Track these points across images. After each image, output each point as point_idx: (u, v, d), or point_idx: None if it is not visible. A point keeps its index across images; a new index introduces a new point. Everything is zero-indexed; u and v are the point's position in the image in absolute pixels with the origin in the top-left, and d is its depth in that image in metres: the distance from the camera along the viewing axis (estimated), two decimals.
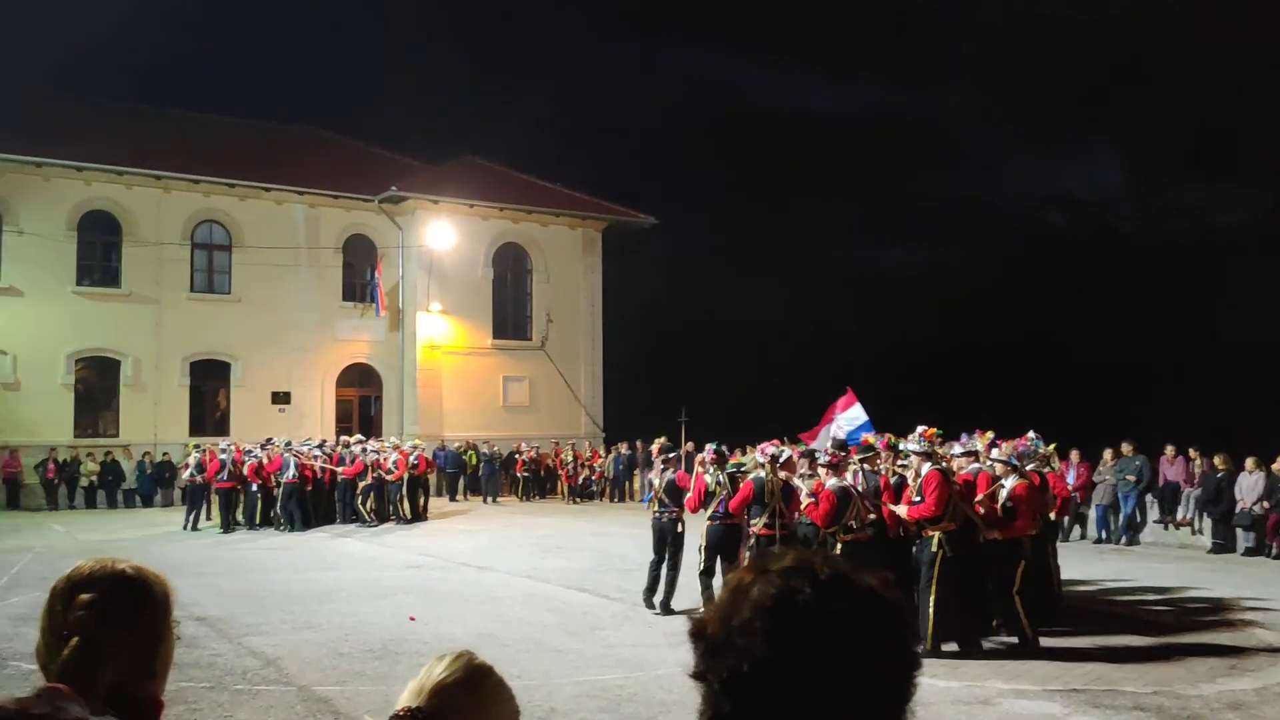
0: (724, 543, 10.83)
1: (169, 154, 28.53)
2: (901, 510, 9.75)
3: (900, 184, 76.81)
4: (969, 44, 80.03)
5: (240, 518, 21.32)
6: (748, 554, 10.58)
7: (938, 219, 71.47)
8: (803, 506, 10.38)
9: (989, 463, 10.63)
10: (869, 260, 71.04)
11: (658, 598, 11.37)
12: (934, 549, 9.37)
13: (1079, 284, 58.58)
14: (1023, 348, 52.64)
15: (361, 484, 21.52)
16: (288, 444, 21.89)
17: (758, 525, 10.48)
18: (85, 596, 1.67)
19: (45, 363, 26.67)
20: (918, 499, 9.55)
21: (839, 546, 9.75)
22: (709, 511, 11.04)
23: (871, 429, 13.90)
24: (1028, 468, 11.26)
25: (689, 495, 11.35)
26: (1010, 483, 9.84)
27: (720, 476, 11.11)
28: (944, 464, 9.84)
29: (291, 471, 20.82)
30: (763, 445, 11.31)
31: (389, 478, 21.78)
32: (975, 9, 78.56)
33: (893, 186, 76.23)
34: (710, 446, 11.62)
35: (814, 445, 12.89)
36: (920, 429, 10.27)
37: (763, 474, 10.64)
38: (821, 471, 10.26)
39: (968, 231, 70.20)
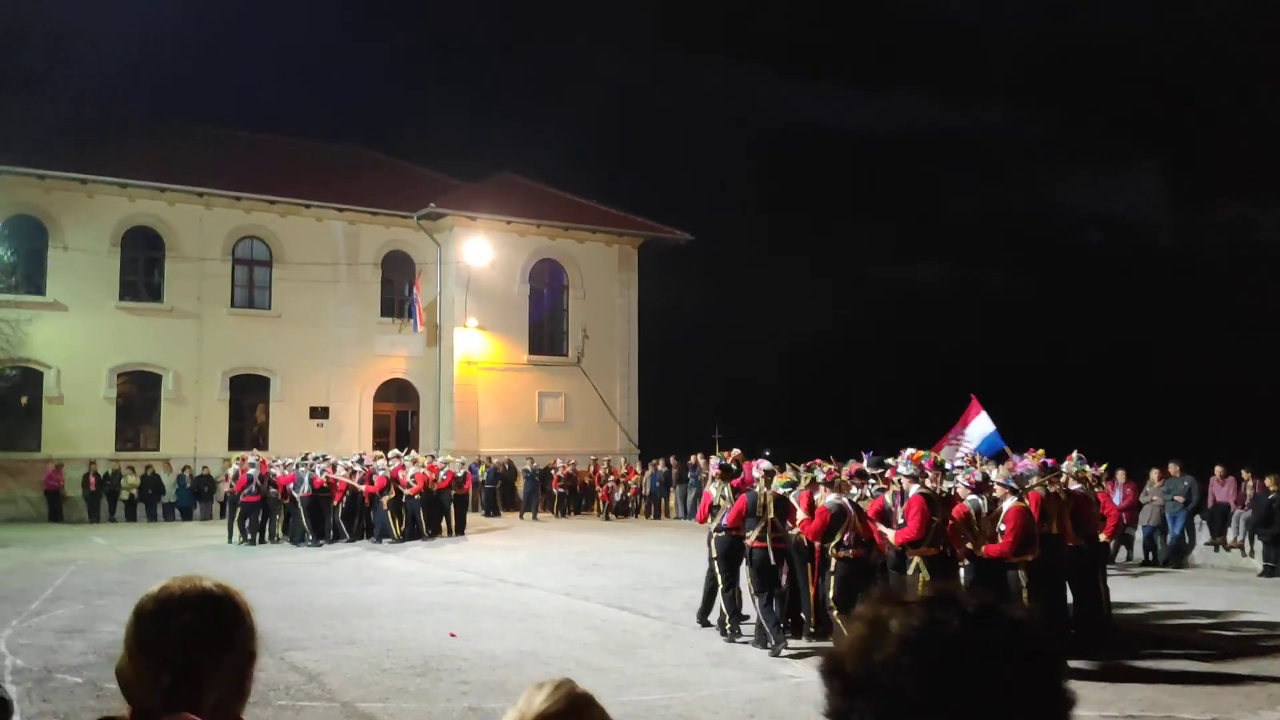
0: (730, 554, 10.96)
1: (211, 171, 28.87)
2: (890, 534, 9.79)
3: (938, 201, 76.41)
4: (1009, 61, 79.59)
5: (281, 531, 21.45)
6: (745, 567, 10.69)
7: (976, 237, 71.03)
8: (798, 521, 10.59)
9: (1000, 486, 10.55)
10: (905, 277, 70.71)
11: (713, 615, 11.23)
12: (912, 572, 9.47)
13: (1119, 302, 57.97)
14: (1062, 366, 52.06)
15: (386, 499, 21.29)
16: (303, 459, 22.00)
17: (751, 538, 10.59)
18: (183, 619, 1.61)
19: (88, 377, 26.99)
20: (901, 522, 9.67)
21: (832, 563, 9.86)
22: (714, 524, 11.17)
23: (1001, 441, 13.47)
24: (1072, 487, 11.13)
25: (699, 510, 11.62)
26: (1007, 505, 9.71)
27: (725, 491, 11.30)
28: (930, 487, 9.82)
29: (305, 487, 20.89)
30: (757, 460, 11.43)
31: (407, 492, 21.54)
32: (1015, 26, 78.23)
33: (930, 203, 75.90)
34: (715, 461, 12.03)
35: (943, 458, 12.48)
36: (908, 451, 10.23)
37: (758, 489, 10.74)
38: (820, 489, 10.47)
39: (1006, 249, 69.75)
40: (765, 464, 11.19)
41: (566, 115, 71.55)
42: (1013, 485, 9.73)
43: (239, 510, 21.33)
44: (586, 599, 13.57)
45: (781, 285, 58.45)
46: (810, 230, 66.72)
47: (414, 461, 22.62)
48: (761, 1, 76.81)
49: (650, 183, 61.31)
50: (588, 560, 18.00)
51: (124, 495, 26.47)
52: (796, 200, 70.19)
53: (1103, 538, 11.77)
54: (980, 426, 13.92)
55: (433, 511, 22.23)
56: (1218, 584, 15.58)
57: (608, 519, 27.92)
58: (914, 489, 9.67)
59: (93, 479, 25.96)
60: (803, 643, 10.62)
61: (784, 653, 9.95)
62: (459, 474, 23.45)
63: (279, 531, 21.41)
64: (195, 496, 26.93)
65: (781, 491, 10.87)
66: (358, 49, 76.38)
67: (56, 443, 26.48)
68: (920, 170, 73.95)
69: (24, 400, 26.68)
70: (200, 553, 19.31)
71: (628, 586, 14.72)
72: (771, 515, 10.52)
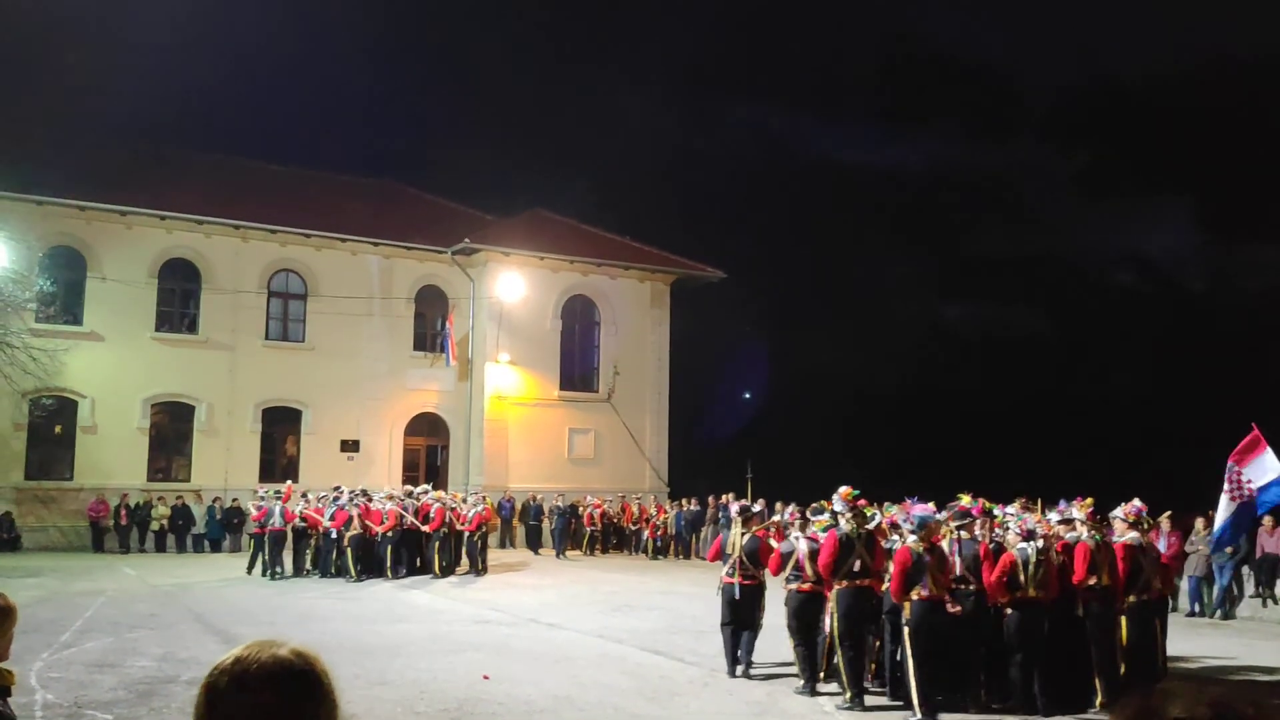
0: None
1: (248, 204, 29.11)
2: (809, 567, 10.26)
3: (967, 240, 76.13)
4: (1038, 100, 79.49)
5: (310, 565, 21.35)
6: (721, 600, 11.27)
7: (1004, 276, 70.61)
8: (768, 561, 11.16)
9: (1084, 532, 10.33)
10: (934, 316, 70.31)
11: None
12: (833, 604, 10.00)
13: (1150, 344, 57.28)
14: (1092, 409, 51.37)
15: (349, 534, 20.62)
16: (276, 494, 21.81)
17: (723, 574, 11.30)
18: (261, 698, 1.45)
19: (122, 407, 27.09)
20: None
21: (786, 594, 10.52)
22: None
23: None
24: (1129, 536, 10.80)
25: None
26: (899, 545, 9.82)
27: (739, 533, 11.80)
28: (851, 527, 10.12)
29: (277, 520, 20.77)
30: (735, 504, 12.11)
31: (378, 528, 20.83)
32: (1045, 65, 78.18)
33: (959, 242, 75.56)
34: (735, 504, 12.47)
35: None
36: (841, 489, 10.47)
37: (735, 530, 11.30)
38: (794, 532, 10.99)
39: (1035, 289, 69.25)
40: (735, 506, 11.79)
41: (598, 152, 71.94)
42: (909, 528, 9.71)
43: (253, 542, 21.37)
44: (620, 642, 13.33)
45: (810, 323, 58.19)
46: (840, 269, 66.53)
47: (388, 497, 21.83)
48: (791, 41, 77.22)
49: (680, 220, 61.38)
50: (619, 601, 17.75)
51: (154, 526, 26.47)
52: (826, 239, 70.01)
53: (1156, 585, 11.38)
54: (1264, 464, 11.52)
55: (412, 551, 21.48)
56: (1268, 638, 15.14)
57: (642, 557, 27.71)
58: (840, 524, 10.19)
59: (124, 511, 25.97)
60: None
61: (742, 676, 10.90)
62: (467, 511, 22.25)
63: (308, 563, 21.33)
64: (225, 528, 26.89)
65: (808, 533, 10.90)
66: (393, 86, 77.29)
67: (89, 472, 26.57)
68: (949, 209, 73.72)
69: (58, 429, 26.80)
70: (229, 586, 19.21)
71: (661, 629, 14.46)
72: (739, 554, 11.08)
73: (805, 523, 10.86)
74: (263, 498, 21.89)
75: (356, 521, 20.65)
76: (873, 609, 10.04)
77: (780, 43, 77.05)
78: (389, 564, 20.79)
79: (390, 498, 21.79)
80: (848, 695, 9.64)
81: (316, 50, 73.34)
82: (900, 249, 75.52)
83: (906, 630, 9.25)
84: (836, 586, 9.87)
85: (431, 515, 21.52)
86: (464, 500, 23.08)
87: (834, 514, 10.55)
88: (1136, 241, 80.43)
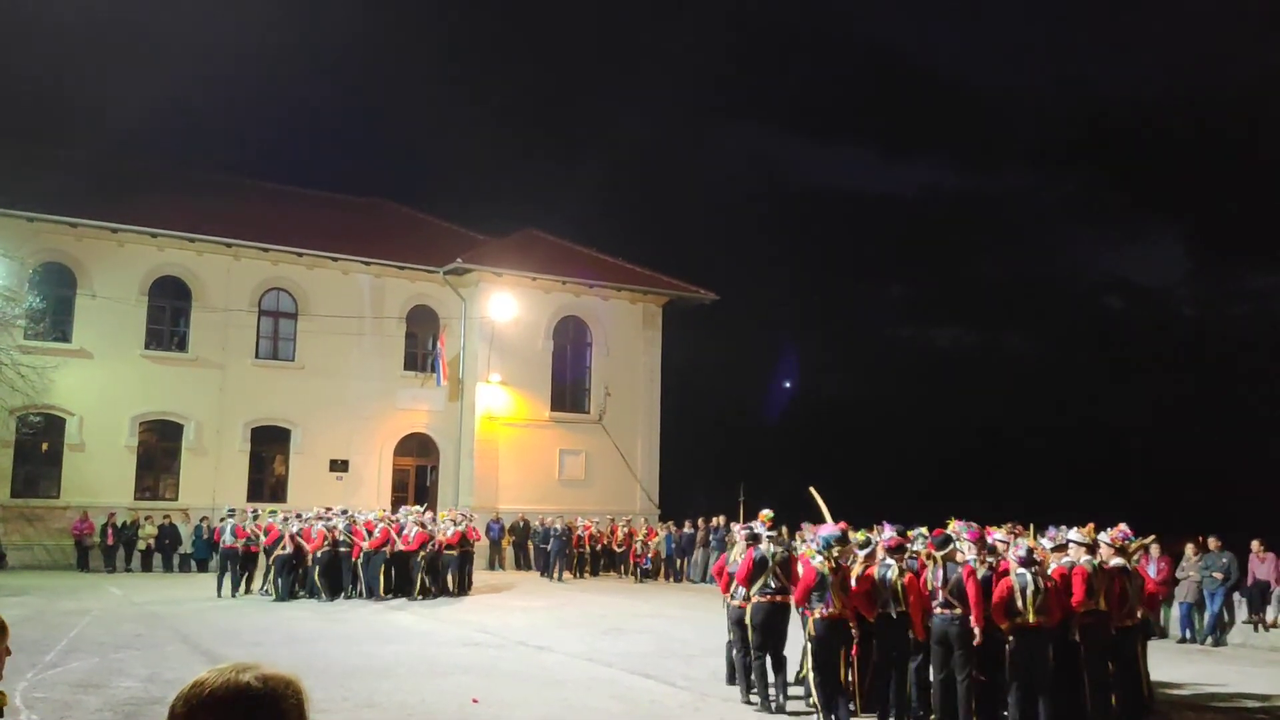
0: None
1: (240, 223, 29.06)
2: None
3: (958, 264, 76.40)
4: (1030, 126, 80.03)
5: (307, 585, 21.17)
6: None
7: (995, 301, 70.86)
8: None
9: (1084, 557, 10.30)
10: (925, 340, 70.46)
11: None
12: (746, 620, 10.78)
13: (1139, 369, 57.49)
14: (1082, 434, 51.48)
15: (276, 553, 20.45)
16: (230, 512, 21.77)
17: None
18: None
19: (110, 425, 26.93)
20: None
21: (728, 608, 11.42)
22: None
23: None
24: (1114, 561, 10.78)
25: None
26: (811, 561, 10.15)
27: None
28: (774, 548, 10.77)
29: (228, 537, 20.99)
30: (737, 526, 12.64)
31: (307, 547, 20.53)
32: (1037, 91, 78.74)
33: (950, 267, 75.85)
34: (737, 526, 12.86)
35: None
36: (762, 512, 11.29)
37: (734, 550, 11.85)
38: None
39: (1025, 314, 69.49)
40: (736, 528, 12.24)
41: (591, 174, 72.21)
42: (816, 545, 10.03)
43: (275, 563, 21.07)
44: (609, 665, 13.23)
45: (802, 346, 58.30)
46: (832, 292, 66.74)
47: (317, 518, 21.35)
48: (786, 66, 77.70)
49: (672, 242, 61.59)
50: (608, 624, 17.63)
51: (141, 545, 26.24)
52: (818, 262, 70.26)
53: (1139, 614, 11.36)
54: None
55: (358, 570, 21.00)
56: (1259, 664, 15.10)
57: (639, 581, 27.56)
58: (756, 545, 10.85)
59: (110, 530, 25.75)
60: None
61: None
62: (409, 531, 21.44)
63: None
64: (212, 548, 26.64)
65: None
66: (386, 105, 77.46)
67: (76, 490, 26.38)
68: (941, 234, 74.10)
69: (45, 447, 26.62)
70: (215, 606, 19.06)
71: (651, 653, 14.36)
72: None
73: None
74: (231, 514, 21.91)
75: (288, 540, 20.50)
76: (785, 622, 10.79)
77: (776, 68, 77.49)
78: (315, 585, 20.47)
79: (319, 518, 21.47)
80: (760, 702, 10.40)
81: (309, 68, 73.52)
82: (892, 273, 75.78)
83: (809, 646, 9.90)
84: (753, 600, 10.60)
85: (375, 534, 21.09)
86: (446, 518, 22.87)
87: (823, 538, 10.58)
88: (1126, 266, 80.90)
